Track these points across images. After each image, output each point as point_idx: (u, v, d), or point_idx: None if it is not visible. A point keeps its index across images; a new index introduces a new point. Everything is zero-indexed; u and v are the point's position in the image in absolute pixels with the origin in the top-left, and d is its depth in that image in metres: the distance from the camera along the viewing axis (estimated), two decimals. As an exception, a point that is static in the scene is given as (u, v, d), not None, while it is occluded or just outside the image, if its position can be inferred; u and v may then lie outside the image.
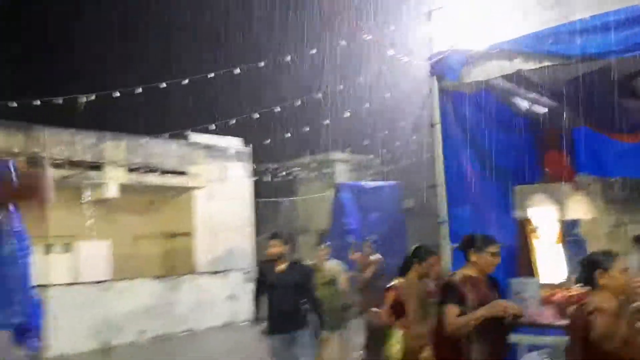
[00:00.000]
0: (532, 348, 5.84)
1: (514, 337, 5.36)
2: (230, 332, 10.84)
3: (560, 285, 5.79)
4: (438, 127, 5.28)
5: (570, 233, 6.58)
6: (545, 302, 5.37)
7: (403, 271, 5.02)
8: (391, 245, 9.34)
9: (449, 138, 5.32)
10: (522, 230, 6.10)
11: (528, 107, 6.06)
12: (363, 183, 12.13)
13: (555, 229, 6.20)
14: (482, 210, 5.66)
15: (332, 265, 7.11)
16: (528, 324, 5.36)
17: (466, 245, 3.94)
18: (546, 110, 6.18)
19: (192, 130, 13.68)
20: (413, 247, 5.22)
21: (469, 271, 3.84)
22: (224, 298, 13.16)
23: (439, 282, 7.14)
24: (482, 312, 3.54)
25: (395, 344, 4.71)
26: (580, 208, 6.40)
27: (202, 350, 10.74)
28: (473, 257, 3.84)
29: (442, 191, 5.26)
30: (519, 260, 6.02)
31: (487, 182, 5.70)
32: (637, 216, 13.35)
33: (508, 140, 5.96)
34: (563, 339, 3.81)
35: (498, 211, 5.87)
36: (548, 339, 4.84)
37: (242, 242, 15.65)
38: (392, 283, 4.94)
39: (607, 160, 6.48)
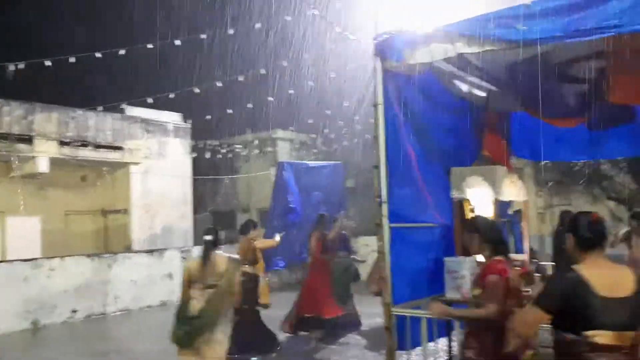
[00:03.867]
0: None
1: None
2: (167, 312, 10.65)
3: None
4: (380, 107, 5.28)
5: (504, 214, 6.79)
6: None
7: None
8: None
9: (391, 119, 5.34)
10: (459, 211, 6.25)
11: (468, 91, 6.16)
12: (306, 162, 12.08)
13: (490, 210, 6.38)
14: (421, 190, 5.75)
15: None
16: (463, 301, 5.53)
17: None
18: (486, 94, 6.31)
19: (129, 104, 13.21)
20: None
21: None
22: (161, 277, 12.91)
23: None
24: None
25: None
26: (513, 190, 6.60)
27: (137, 329, 10.53)
28: None
29: (383, 171, 5.29)
30: (456, 239, 6.17)
31: (427, 163, 5.78)
32: (564, 199, 14.08)
33: (448, 122, 6.06)
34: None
35: (436, 192, 5.98)
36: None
37: (180, 220, 15.38)
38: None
39: (541, 144, 6.70)
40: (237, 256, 5.88)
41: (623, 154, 7.79)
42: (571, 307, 2.71)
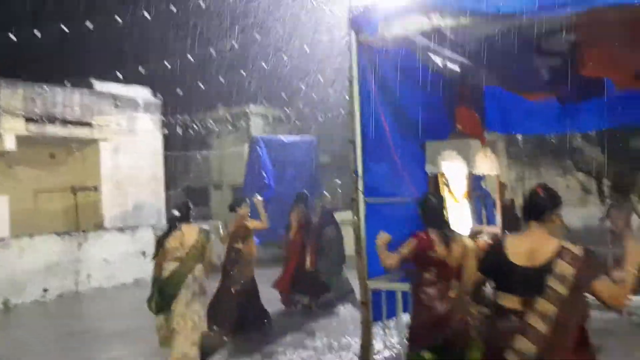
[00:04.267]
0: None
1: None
2: (141, 289, 10.57)
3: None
4: (355, 81, 5.25)
5: (477, 187, 6.86)
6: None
7: None
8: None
9: (366, 93, 5.31)
10: (434, 184, 6.29)
11: (443, 65, 6.15)
12: (279, 137, 11.99)
13: (463, 183, 6.44)
14: (396, 164, 5.76)
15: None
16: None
17: None
18: (460, 68, 6.31)
19: (97, 78, 12.86)
20: None
21: None
22: (134, 254, 12.80)
23: None
24: None
25: None
26: (487, 164, 6.66)
27: (111, 307, 10.45)
28: None
29: (358, 146, 5.28)
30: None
31: (402, 137, 5.79)
32: (536, 171, 14.30)
33: (422, 96, 6.05)
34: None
35: (412, 166, 6.01)
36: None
37: (152, 197, 15.18)
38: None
39: (514, 118, 6.76)
40: (207, 227, 5.93)
41: (594, 127, 7.89)
42: (490, 271, 3.02)
